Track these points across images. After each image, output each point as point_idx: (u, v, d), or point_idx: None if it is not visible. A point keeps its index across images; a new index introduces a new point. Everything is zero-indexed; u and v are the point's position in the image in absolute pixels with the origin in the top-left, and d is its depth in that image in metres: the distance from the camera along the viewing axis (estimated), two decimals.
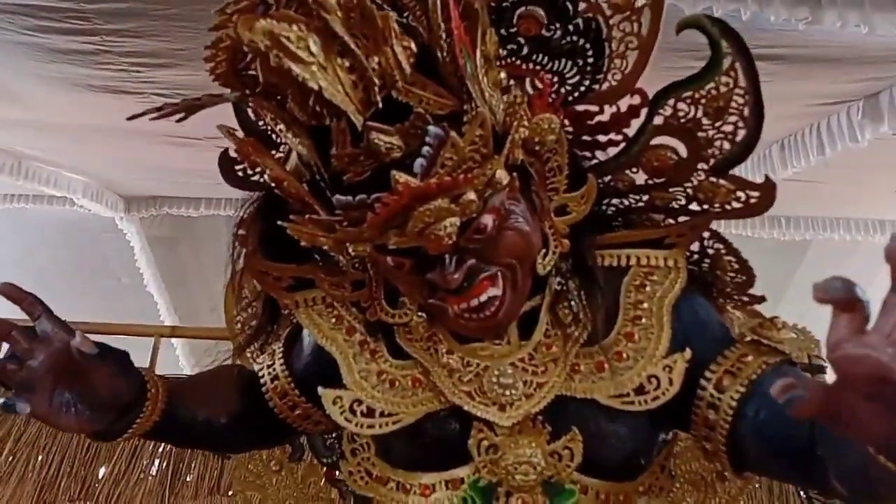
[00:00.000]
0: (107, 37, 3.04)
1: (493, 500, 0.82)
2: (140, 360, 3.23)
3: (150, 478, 3.12)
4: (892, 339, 0.51)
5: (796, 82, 3.34)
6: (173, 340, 4.34)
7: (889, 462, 0.58)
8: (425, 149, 0.67)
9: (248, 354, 1.04)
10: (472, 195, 0.71)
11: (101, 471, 3.76)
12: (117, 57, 3.18)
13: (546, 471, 0.82)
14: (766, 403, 0.80)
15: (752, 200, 0.85)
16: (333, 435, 1.14)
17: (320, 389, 0.87)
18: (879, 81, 3.42)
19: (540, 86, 0.86)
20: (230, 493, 2.91)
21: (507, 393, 0.83)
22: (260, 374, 1.01)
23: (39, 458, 3.79)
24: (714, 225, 0.94)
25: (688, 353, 0.84)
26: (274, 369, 0.99)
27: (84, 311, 3.79)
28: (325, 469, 1.10)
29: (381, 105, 0.67)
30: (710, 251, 0.94)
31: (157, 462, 3.17)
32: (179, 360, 5.03)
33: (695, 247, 0.94)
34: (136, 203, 5.20)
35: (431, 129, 0.67)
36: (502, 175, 0.74)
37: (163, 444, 3.05)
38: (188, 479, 3.08)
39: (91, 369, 0.81)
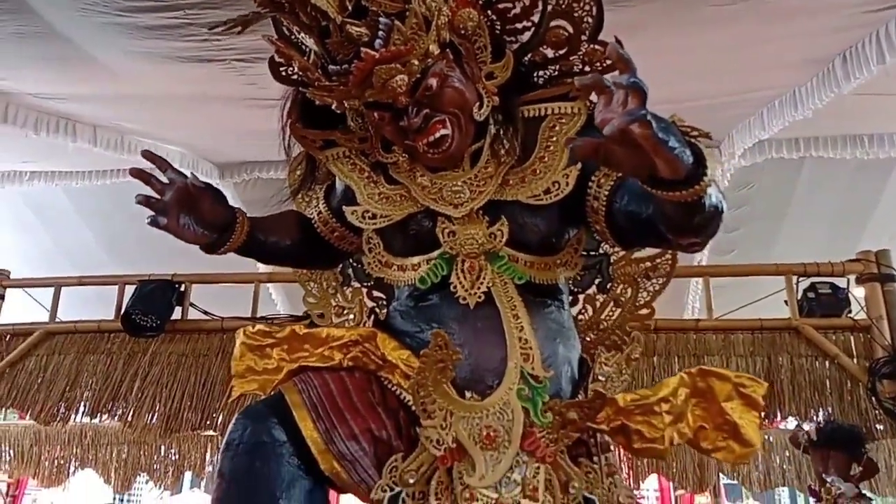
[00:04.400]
0: (189, 10, 3.71)
1: (454, 265, 1.36)
2: (243, 306, 3.97)
3: None
4: (619, 103, 0.99)
5: None
6: (270, 286, 5.04)
7: (653, 189, 1.05)
8: (380, 33, 1.21)
9: (301, 203, 1.64)
10: (414, 61, 1.24)
11: (217, 403, 4.58)
12: (199, 28, 3.86)
13: (486, 245, 1.36)
14: (629, 192, 1.29)
15: (607, 60, 1.33)
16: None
17: (344, 207, 1.45)
18: None
19: None
20: None
21: (459, 197, 1.37)
22: (309, 213, 1.60)
23: (164, 392, 4.65)
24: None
25: (579, 165, 1.34)
26: (318, 207, 1.58)
27: (192, 272, 4.58)
28: (365, 290, 1.68)
29: (351, 9, 1.21)
30: None
31: None
32: (276, 304, 5.77)
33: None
34: (229, 170, 5.85)
35: (382, 20, 1.21)
36: (434, 48, 1.26)
37: None
38: None
39: (200, 199, 1.40)
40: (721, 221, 1.17)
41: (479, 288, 1.34)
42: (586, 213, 1.37)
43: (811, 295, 4.19)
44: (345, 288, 1.72)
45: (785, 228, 5.84)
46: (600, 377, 1.40)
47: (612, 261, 1.62)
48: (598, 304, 1.63)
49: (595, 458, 1.37)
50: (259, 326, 1.44)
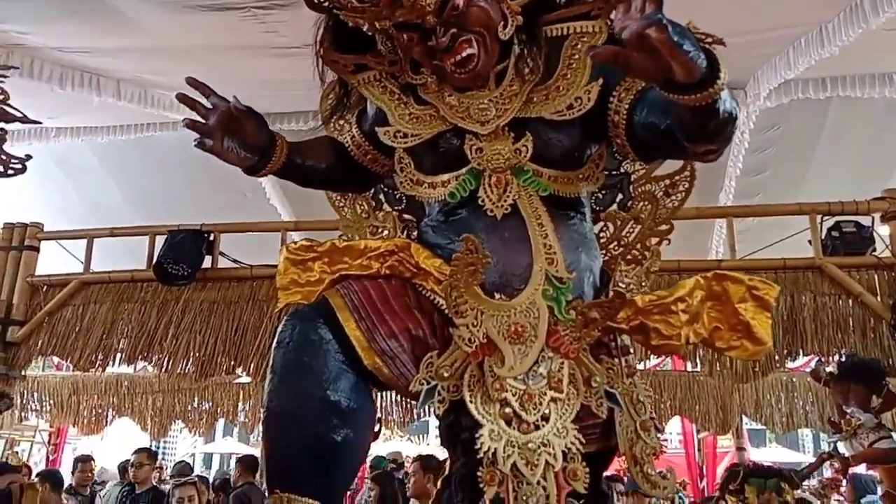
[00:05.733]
0: None
1: (482, 180, 1.46)
2: (270, 254, 4.10)
3: None
4: (637, 10, 1.07)
5: None
6: (295, 234, 5.18)
7: (670, 93, 1.14)
8: None
9: (334, 130, 1.74)
10: None
11: (250, 348, 4.76)
12: None
13: (511, 160, 1.46)
14: (648, 106, 1.38)
15: None
16: (397, 193, 1.82)
17: (376, 128, 1.55)
18: None
19: None
20: None
21: (485, 114, 1.47)
22: (343, 139, 1.70)
23: (197, 339, 4.83)
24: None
25: (601, 81, 1.43)
26: (351, 131, 1.69)
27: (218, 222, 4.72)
28: (396, 213, 1.79)
29: None
30: None
31: None
32: None
33: None
34: None
35: None
36: None
37: None
38: None
39: (243, 122, 1.51)
40: (735, 128, 1.26)
41: (505, 200, 1.44)
42: (608, 128, 1.46)
43: (835, 234, 4.22)
44: (377, 212, 1.83)
45: (811, 171, 5.84)
46: (620, 284, 1.51)
47: (632, 179, 1.71)
48: (618, 221, 1.73)
49: (616, 360, 1.48)
50: (301, 242, 1.55)
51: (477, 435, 1.29)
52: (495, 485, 1.28)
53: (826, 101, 5.29)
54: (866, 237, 4.20)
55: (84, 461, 5.79)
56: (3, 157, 2.54)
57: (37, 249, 5.05)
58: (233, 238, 4.92)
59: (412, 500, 4.60)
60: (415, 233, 1.72)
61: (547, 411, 1.31)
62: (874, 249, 4.18)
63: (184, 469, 5.84)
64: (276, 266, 4.51)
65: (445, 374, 1.34)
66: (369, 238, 1.71)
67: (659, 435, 1.48)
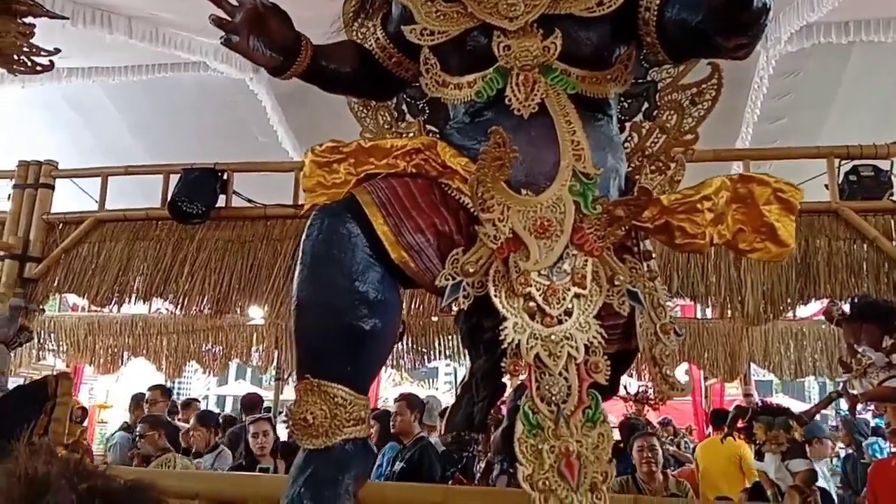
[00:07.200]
0: None
1: (509, 79, 1.46)
2: (282, 194, 4.11)
3: None
4: None
5: None
6: None
7: None
8: None
9: (356, 35, 1.73)
10: None
11: (264, 287, 4.80)
12: None
13: (540, 57, 1.45)
14: (680, 2, 1.36)
15: None
16: (419, 103, 1.82)
17: (402, 27, 1.54)
18: None
19: None
20: None
21: (514, 10, 1.46)
22: (367, 43, 1.69)
23: (213, 277, 4.86)
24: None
25: None
26: (376, 34, 1.68)
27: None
28: (420, 121, 1.79)
29: None
30: None
31: None
32: None
33: None
34: None
35: None
36: None
37: None
38: None
39: (269, 20, 1.50)
40: (767, 21, 1.24)
41: (533, 100, 1.44)
42: (638, 27, 1.45)
43: (853, 178, 4.18)
44: (399, 123, 1.83)
45: (830, 119, 5.77)
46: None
47: (658, 88, 1.70)
48: (643, 131, 1.73)
49: (639, 263, 1.49)
50: (327, 144, 1.56)
51: (501, 328, 1.31)
52: (518, 375, 1.30)
53: (848, 46, 5.19)
54: (884, 181, 4.17)
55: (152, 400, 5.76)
56: (33, 49, 2.51)
57: (52, 187, 5.06)
58: (246, 178, 4.92)
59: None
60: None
61: (570, 306, 1.33)
62: (892, 194, 4.15)
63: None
64: (289, 206, 4.49)
65: (471, 270, 1.36)
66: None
67: (677, 338, 1.50)
